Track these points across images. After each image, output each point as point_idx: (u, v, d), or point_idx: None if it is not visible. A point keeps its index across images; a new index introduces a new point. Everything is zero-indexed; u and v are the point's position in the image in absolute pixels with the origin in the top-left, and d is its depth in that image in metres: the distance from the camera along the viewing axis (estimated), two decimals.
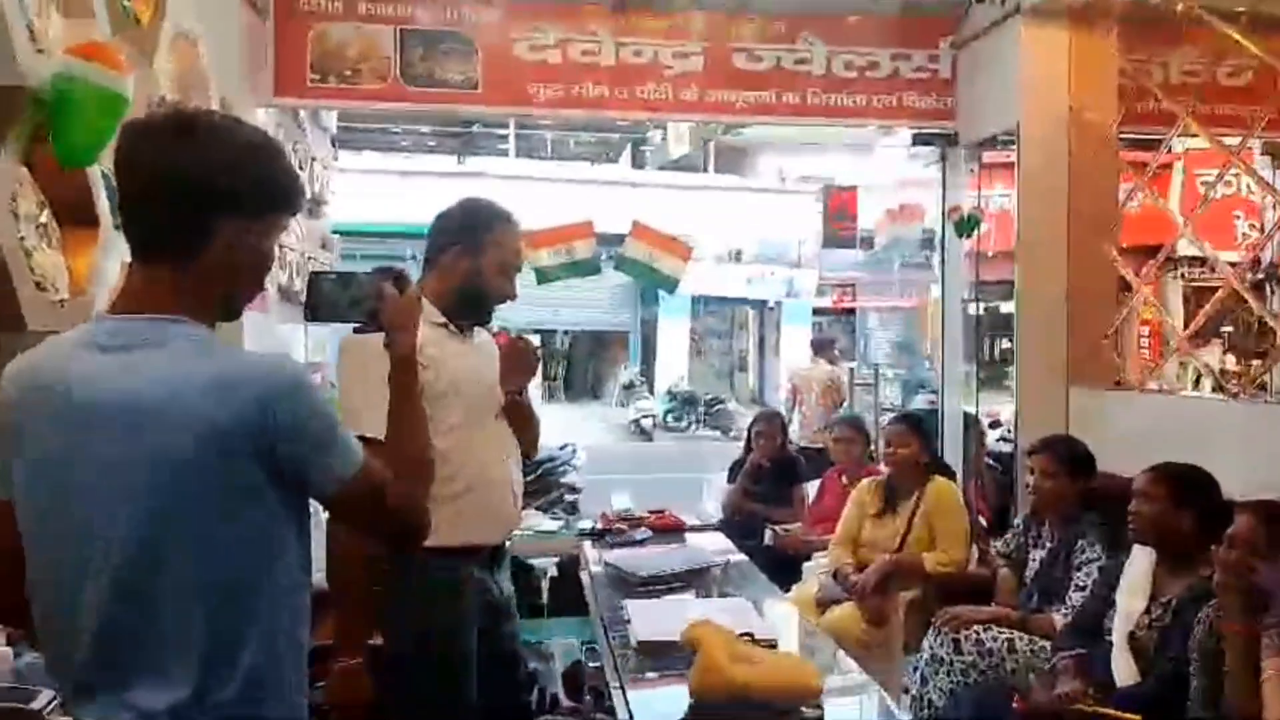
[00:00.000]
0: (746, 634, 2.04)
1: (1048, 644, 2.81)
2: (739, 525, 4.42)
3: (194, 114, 1.26)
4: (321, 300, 1.37)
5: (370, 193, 11.71)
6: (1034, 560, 3.12)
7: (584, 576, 2.93)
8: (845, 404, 8.35)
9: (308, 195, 4.51)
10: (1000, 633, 2.87)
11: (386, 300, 1.36)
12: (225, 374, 1.11)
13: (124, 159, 1.17)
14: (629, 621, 2.25)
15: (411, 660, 2.03)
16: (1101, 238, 3.34)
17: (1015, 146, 3.52)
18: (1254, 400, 3.06)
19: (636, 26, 3.83)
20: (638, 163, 19.74)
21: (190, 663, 1.09)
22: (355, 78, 3.69)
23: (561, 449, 5.19)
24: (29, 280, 1.82)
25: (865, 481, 3.74)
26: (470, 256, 2.11)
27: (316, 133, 4.79)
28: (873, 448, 4.54)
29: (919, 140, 3.89)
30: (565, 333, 18.72)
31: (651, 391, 16.53)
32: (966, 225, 3.64)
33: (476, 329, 2.22)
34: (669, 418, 15.68)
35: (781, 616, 2.47)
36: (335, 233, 5.23)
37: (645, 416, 15.13)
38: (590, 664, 2.90)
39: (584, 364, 19.68)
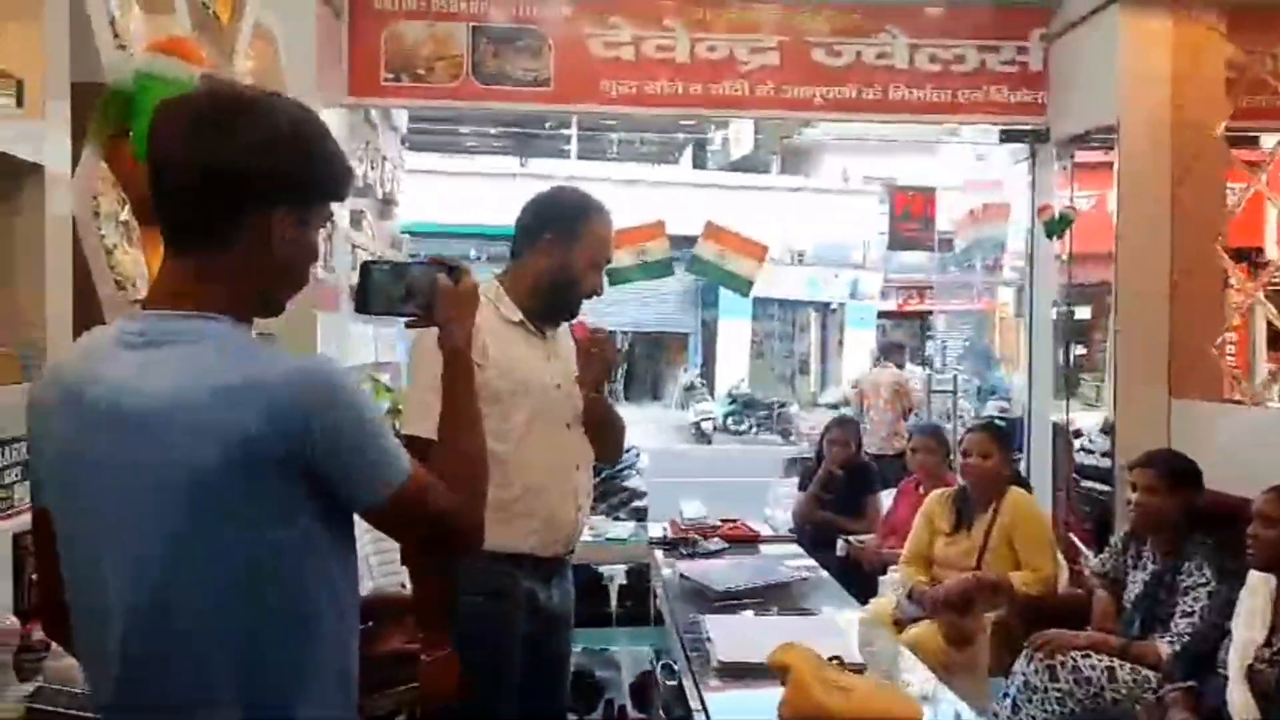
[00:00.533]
0: (835, 658, 1.92)
1: (1152, 674, 2.63)
2: (811, 535, 4.29)
3: (230, 92, 1.15)
4: (373, 291, 1.27)
5: (435, 193, 11.85)
6: (1134, 582, 2.93)
7: (656, 587, 2.84)
8: (914, 410, 8.12)
9: (379, 195, 4.52)
10: (1099, 660, 2.70)
11: (440, 292, 1.26)
12: (257, 376, 1.00)
13: (155, 142, 1.08)
14: (709, 639, 2.15)
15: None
16: (1207, 240, 3.14)
17: (1112, 143, 3.33)
18: None
19: (712, 21, 3.72)
20: (699, 163, 19.65)
21: (220, 699, 1.01)
22: (428, 76, 3.66)
23: (626, 451, 5.10)
24: (109, 279, 1.80)
25: (935, 494, 3.54)
26: (562, 246, 2.02)
27: (387, 133, 4.81)
28: (952, 458, 4.36)
29: (1007, 136, 3.71)
30: (625, 334, 18.69)
31: (712, 394, 16.39)
32: (1058, 225, 3.46)
33: (554, 330, 2.11)
34: (729, 421, 15.53)
35: (868, 637, 2.34)
36: (404, 233, 5.24)
37: (705, 419, 15.01)
38: (664, 680, 2.81)
39: (643, 365, 19.62)
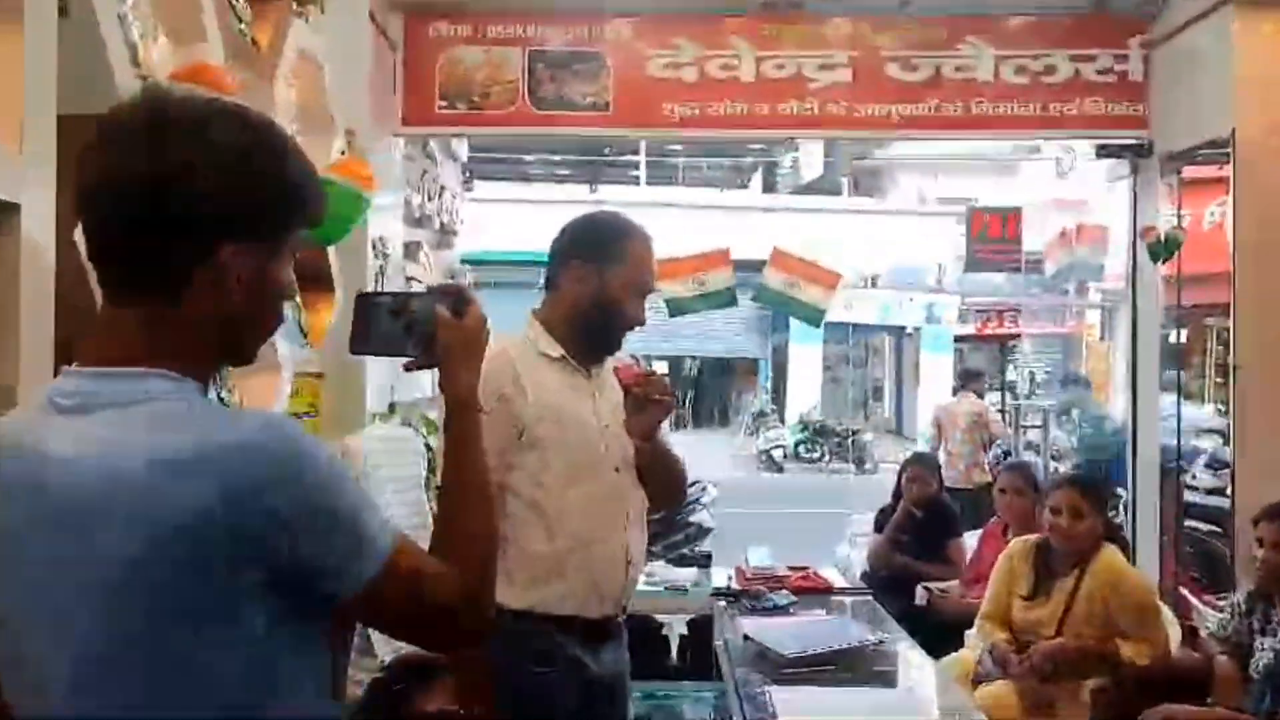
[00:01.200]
0: None
1: None
2: (887, 581, 4.00)
3: (171, 101, 0.94)
4: (369, 328, 1.11)
5: (503, 222, 11.89)
6: (1263, 650, 2.59)
7: (718, 646, 2.61)
8: (995, 440, 7.70)
9: (437, 226, 4.43)
10: None
11: (440, 327, 1.09)
12: (203, 446, 0.82)
13: (80, 168, 0.91)
14: (775, 716, 1.92)
15: None
16: None
17: (1224, 157, 3.01)
18: None
19: (778, 38, 3.53)
20: (769, 187, 19.40)
21: None
22: (483, 102, 3.54)
23: (691, 485, 4.87)
24: None
25: (1017, 542, 3.14)
26: (597, 274, 1.86)
27: (447, 162, 4.72)
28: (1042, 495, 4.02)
29: (1105, 152, 3.41)
30: (693, 359, 18.46)
31: (782, 421, 16.03)
32: (1165, 248, 3.14)
33: (599, 363, 1.93)
34: (800, 448, 15.13)
35: (943, 689, 2.07)
36: (465, 262, 5.14)
37: (776, 447, 14.65)
38: None
39: (712, 392, 19.36)
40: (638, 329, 1.91)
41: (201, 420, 0.87)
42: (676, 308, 3.52)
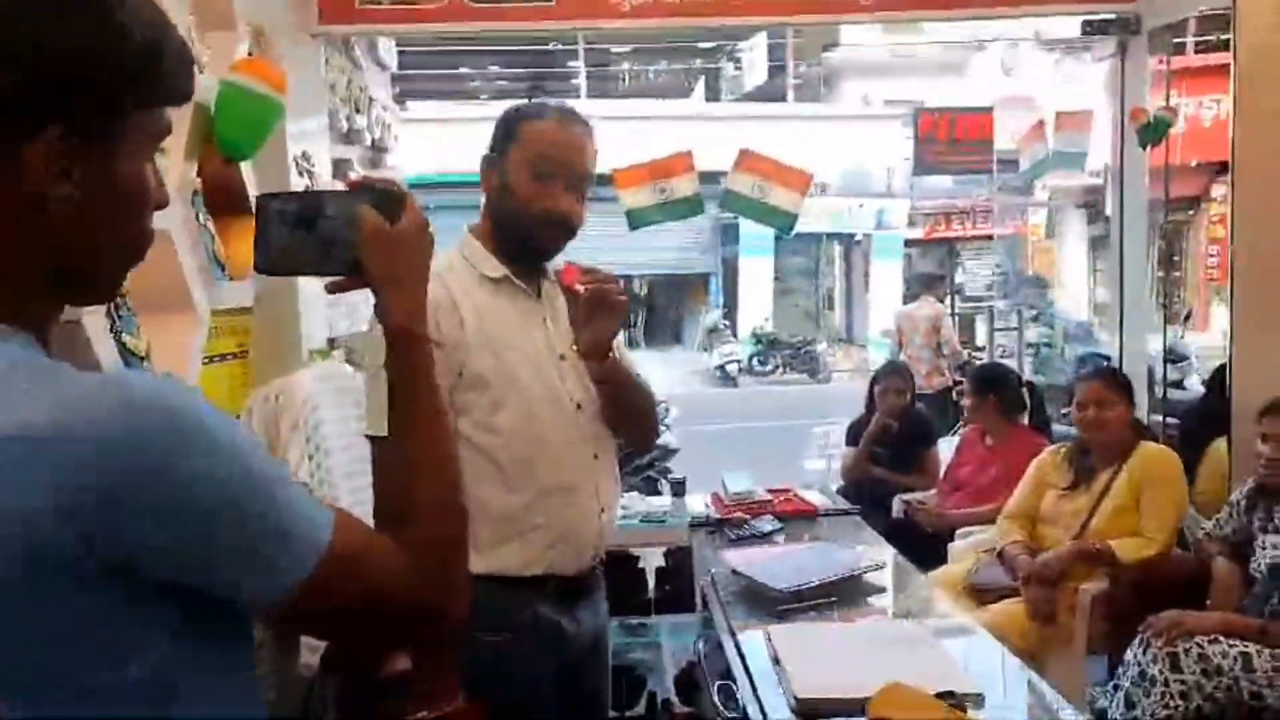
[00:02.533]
0: (947, 693, 1.51)
1: None
2: (863, 494, 3.88)
3: None
4: (274, 240, 0.86)
5: (440, 142, 11.33)
6: (1264, 547, 2.50)
7: (704, 583, 2.44)
8: (950, 347, 7.62)
9: (368, 142, 4.06)
10: (1231, 645, 2.29)
11: (366, 235, 0.84)
12: (39, 426, 0.60)
13: None
14: (779, 663, 1.75)
15: None
16: None
17: (1215, 33, 2.79)
18: None
19: None
20: (713, 95, 18.89)
21: None
22: None
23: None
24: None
25: (1051, 450, 3.14)
26: (499, 166, 1.59)
27: (375, 72, 4.32)
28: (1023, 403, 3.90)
29: (1091, 29, 3.17)
30: (641, 277, 18.20)
31: (735, 335, 15.94)
32: (1154, 131, 2.94)
33: (550, 280, 1.67)
34: (754, 362, 15.11)
35: (972, 645, 1.93)
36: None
37: (730, 361, 14.61)
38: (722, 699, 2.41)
39: (663, 309, 19.17)
40: (566, 224, 1.60)
41: (31, 391, 0.62)
42: (639, 218, 3.23)
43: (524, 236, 1.60)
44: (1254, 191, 2.69)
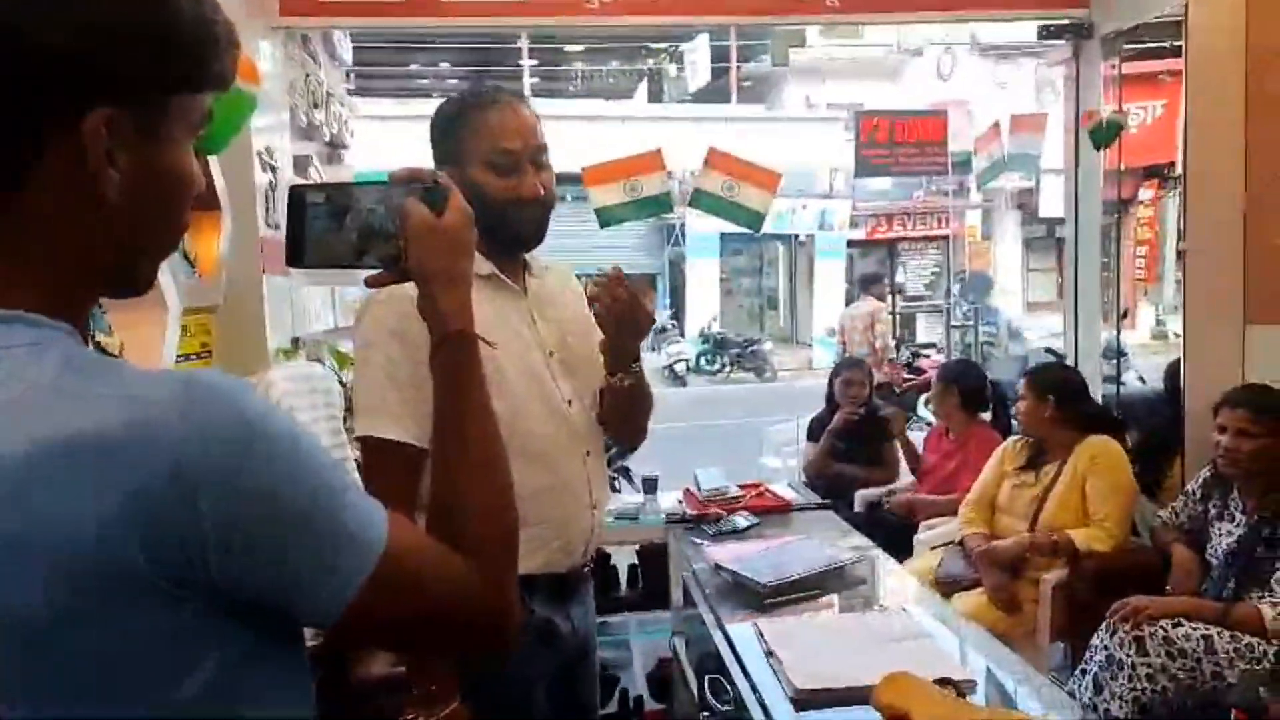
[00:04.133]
0: (944, 680, 1.54)
1: (1257, 642, 2.31)
2: (826, 489, 3.93)
3: None
4: (309, 233, 0.83)
5: (390, 140, 11.16)
6: (1222, 535, 2.60)
7: (686, 578, 2.44)
8: (885, 345, 7.78)
9: (326, 137, 3.98)
10: (1193, 629, 2.37)
11: (412, 228, 0.82)
12: (97, 434, 0.56)
13: None
14: (773, 655, 1.76)
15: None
16: None
17: (1167, 39, 2.89)
18: None
19: None
20: (654, 96, 18.93)
21: None
22: None
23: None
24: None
25: (1011, 440, 3.25)
26: (458, 171, 1.51)
27: (331, 66, 4.23)
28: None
29: (1046, 33, 3.26)
30: (588, 277, 18.17)
31: (683, 334, 16.01)
32: (1106, 133, 3.04)
33: (535, 275, 1.64)
34: (702, 361, 15.21)
35: (957, 633, 1.96)
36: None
37: (679, 361, 14.67)
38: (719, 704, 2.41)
39: None
40: (539, 206, 1.56)
41: (88, 389, 0.58)
42: (608, 217, 3.22)
43: (503, 229, 1.54)
44: (1204, 194, 2.79)
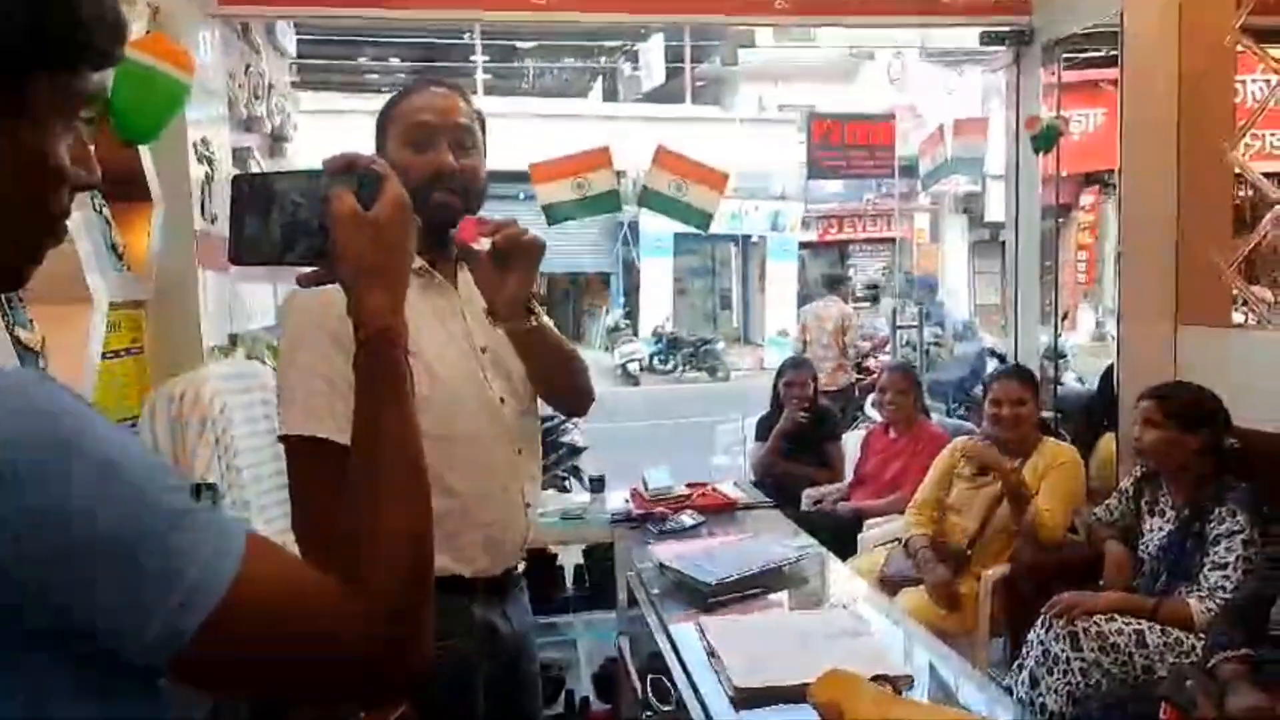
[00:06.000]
0: (880, 676, 1.55)
1: (1185, 636, 2.38)
2: (773, 488, 3.95)
3: None
4: (246, 228, 0.78)
5: (338, 137, 11.01)
6: (1153, 531, 2.67)
7: (631, 577, 2.43)
8: (853, 348, 7.86)
9: (268, 130, 3.89)
10: (1126, 624, 2.42)
11: (335, 220, 0.77)
12: None
13: None
14: (714, 655, 1.76)
15: None
16: (1215, 147, 2.82)
17: (1103, 47, 2.96)
18: None
19: None
20: (609, 95, 18.92)
21: None
22: None
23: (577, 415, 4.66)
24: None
25: (958, 442, 3.26)
26: (383, 157, 1.46)
27: (273, 56, 4.14)
28: (924, 400, 4.06)
29: (988, 39, 3.31)
30: (542, 275, 18.11)
31: (636, 334, 16.02)
32: (1046, 138, 3.10)
33: (464, 275, 1.59)
34: (655, 360, 15.24)
35: (896, 630, 1.98)
36: None
37: (632, 360, 14.68)
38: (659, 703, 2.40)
39: (564, 308, 19.10)
40: (471, 188, 1.52)
41: None
42: (557, 214, 3.20)
43: (421, 210, 1.50)
44: (1139, 200, 2.86)
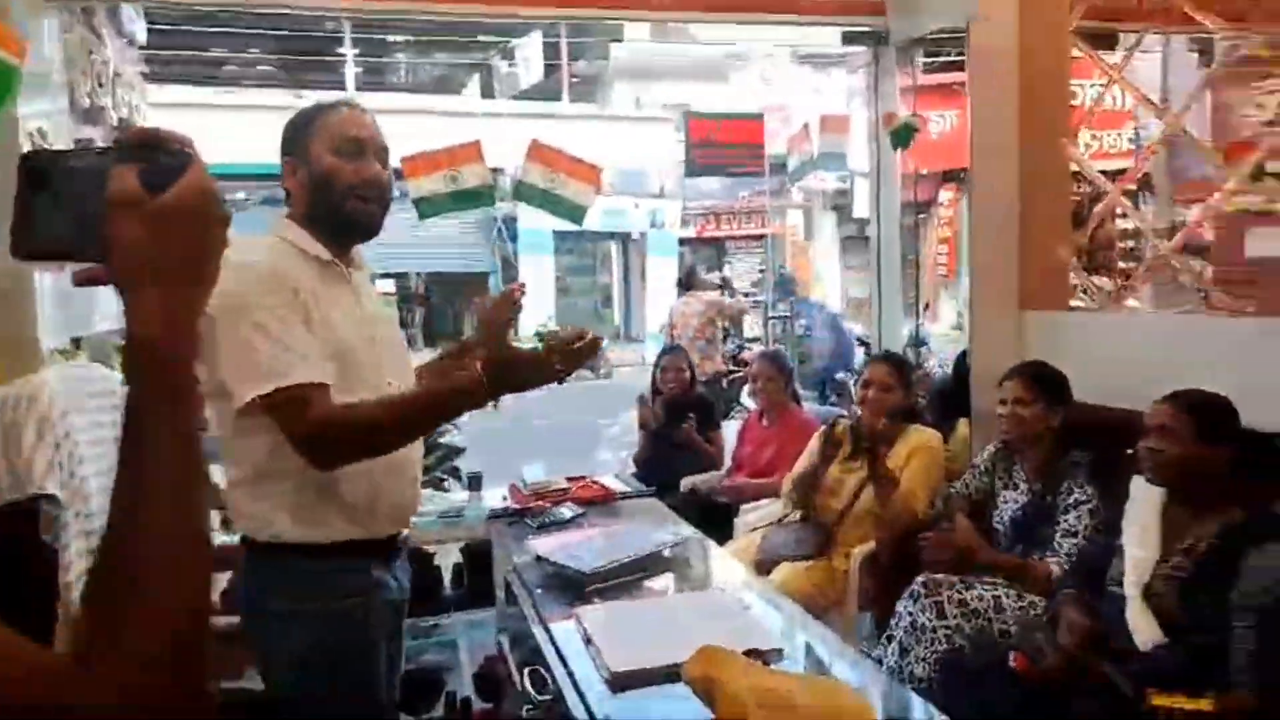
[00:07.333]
0: (752, 650, 1.60)
1: (1040, 601, 2.54)
2: (655, 478, 4.00)
3: None
4: (32, 217, 0.64)
5: (197, 132, 10.54)
6: (1007, 503, 2.84)
7: (508, 572, 2.41)
8: (729, 337, 8.04)
9: (113, 122, 3.66)
10: (985, 590, 2.57)
11: (112, 203, 0.62)
12: None
13: None
14: (590, 642, 1.77)
15: (314, 696, 1.67)
16: (1054, 145, 3.02)
17: (953, 49, 3.13)
18: (1223, 316, 2.83)
19: None
20: (486, 92, 18.69)
21: None
22: None
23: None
24: None
25: (832, 423, 3.36)
26: (303, 163, 1.71)
27: (119, 44, 3.90)
28: (795, 386, 4.19)
29: (849, 39, 3.44)
30: (419, 275, 17.73)
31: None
32: (903, 134, 3.25)
33: (356, 267, 1.79)
34: None
35: (769, 607, 2.04)
36: None
37: None
38: (537, 694, 2.39)
39: (443, 308, 18.76)
40: (390, 203, 1.76)
41: None
42: (429, 208, 3.14)
43: (344, 213, 1.69)
44: (986, 194, 3.03)
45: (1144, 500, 2.27)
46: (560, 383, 1.66)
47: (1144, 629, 2.13)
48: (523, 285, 1.98)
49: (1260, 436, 2.10)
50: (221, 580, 2.68)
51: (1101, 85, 3.53)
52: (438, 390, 1.66)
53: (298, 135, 1.72)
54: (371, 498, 1.69)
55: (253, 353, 1.53)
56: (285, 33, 14.00)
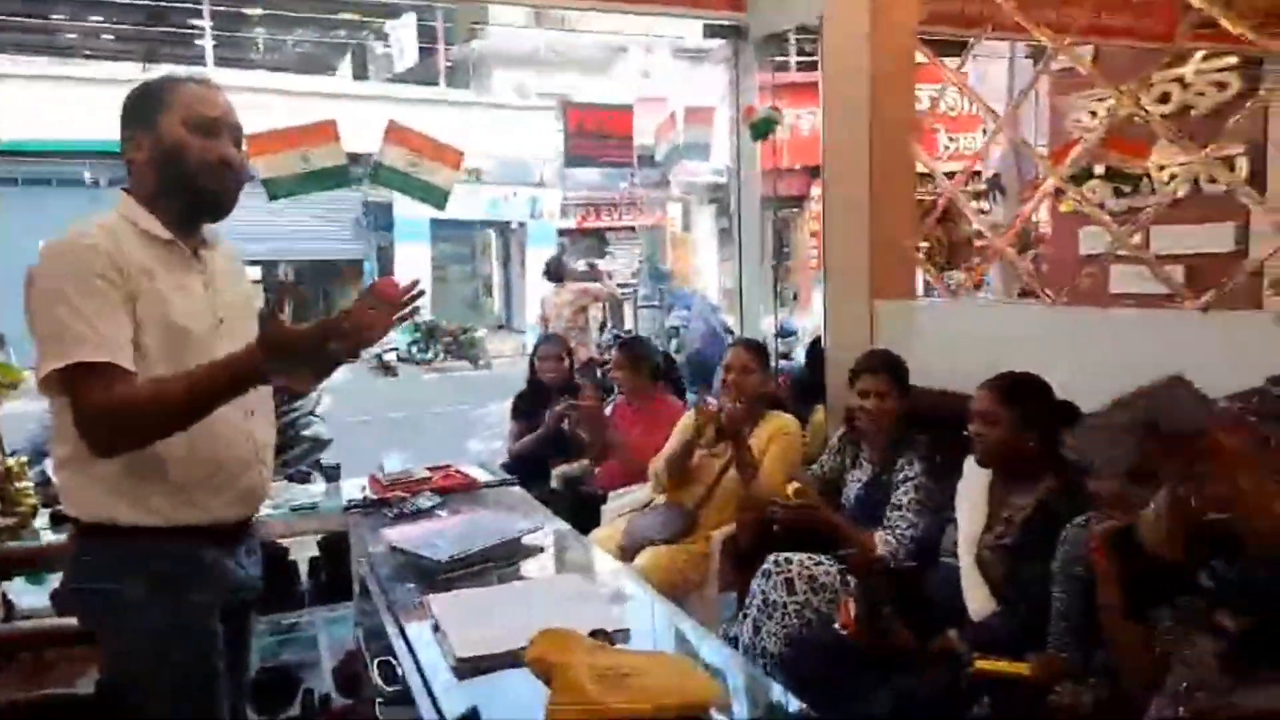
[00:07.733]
0: (598, 631, 1.62)
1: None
2: (528, 466, 3.99)
3: None
4: None
5: (39, 106, 9.87)
6: (854, 482, 2.97)
7: (361, 563, 2.36)
8: (607, 327, 8.09)
9: None
10: (832, 564, 2.68)
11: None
12: None
13: None
14: (438, 629, 1.75)
15: (145, 684, 1.64)
16: (902, 142, 3.16)
17: (808, 44, 3.23)
18: (1054, 304, 3.03)
19: None
20: (359, 74, 18.11)
21: None
22: None
23: (300, 398, 4.45)
24: None
25: (696, 409, 3.38)
26: (150, 136, 1.64)
27: None
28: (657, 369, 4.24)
29: (711, 33, 3.50)
30: (288, 262, 17.07)
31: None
32: (762, 127, 3.33)
33: (209, 247, 1.74)
34: (413, 350, 14.84)
35: (623, 590, 2.06)
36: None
37: (388, 350, 14.19)
38: (385, 681, 2.34)
39: (314, 297, 18.11)
40: (244, 183, 1.71)
41: None
42: (279, 189, 3.01)
43: (197, 191, 1.64)
44: (840, 188, 3.15)
45: (973, 475, 2.42)
46: (347, 361, 1.56)
47: (978, 598, 2.28)
48: (396, 282, 1.65)
49: (1073, 409, 2.26)
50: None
51: (949, 89, 3.72)
52: (210, 366, 1.52)
53: (145, 107, 1.65)
54: (204, 480, 1.66)
55: (58, 329, 1.49)
56: (136, 4, 13.18)
